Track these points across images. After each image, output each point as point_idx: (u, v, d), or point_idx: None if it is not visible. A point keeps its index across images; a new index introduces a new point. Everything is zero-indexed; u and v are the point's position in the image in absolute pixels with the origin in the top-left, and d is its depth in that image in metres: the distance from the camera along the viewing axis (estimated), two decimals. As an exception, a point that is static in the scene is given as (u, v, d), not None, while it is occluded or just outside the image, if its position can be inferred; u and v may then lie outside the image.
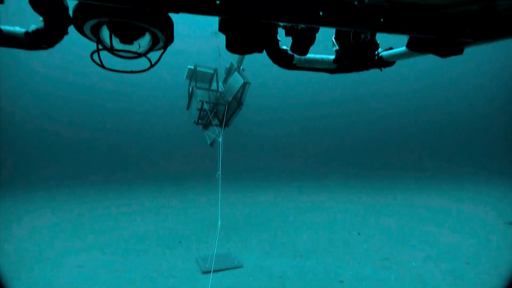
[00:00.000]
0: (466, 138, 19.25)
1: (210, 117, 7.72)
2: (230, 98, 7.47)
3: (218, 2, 1.71)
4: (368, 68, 2.73)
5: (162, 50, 2.05)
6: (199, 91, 7.83)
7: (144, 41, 1.88)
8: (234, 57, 7.81)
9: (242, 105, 7.45)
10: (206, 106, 7.41)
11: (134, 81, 19.80)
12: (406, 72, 20.13)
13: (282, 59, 2.55)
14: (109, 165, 17.39)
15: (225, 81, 8.36)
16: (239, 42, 1.98)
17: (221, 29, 1.93)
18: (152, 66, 2.06)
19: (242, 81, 7.23)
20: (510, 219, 7.80)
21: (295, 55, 2.60)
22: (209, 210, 9.64)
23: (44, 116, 18.27)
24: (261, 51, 2.19)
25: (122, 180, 15.56)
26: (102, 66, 1.91)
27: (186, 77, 8.14)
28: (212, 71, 8.27)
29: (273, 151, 19.89)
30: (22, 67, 17.41)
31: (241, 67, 7.69)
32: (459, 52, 2.23)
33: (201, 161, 16.30)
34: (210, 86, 8.42)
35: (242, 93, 7.36)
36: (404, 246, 6.25)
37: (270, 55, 2.50)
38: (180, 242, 6.85)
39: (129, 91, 20.12)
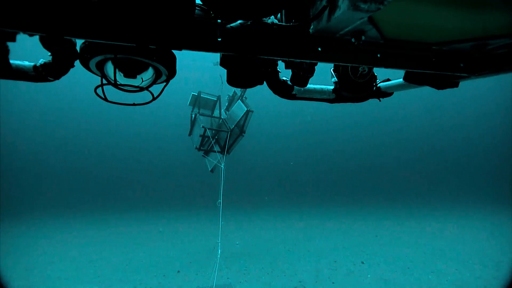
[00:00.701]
0: (467, 164, 19.18)
1: (213, 142, 7.68)
2: (232, 126, 7.50)
3: (219, 39, 1.76)
4: (367, 99, 2.75)
5: (164, 84, 2.08)
6: (201, 118, 7.84)
7: (147, 75, 1.92)
8: None
9: (244, 132, 7.46)
10: (208, 133, 7.40)
11: (137, 109, 20.16)
12: (406, 100, 20.33)
13: (282, 90, 2.57)
14: (107, 192, 17.07)
15: (227, 109, 8.53)
16: (240, 77, 2.01)
17: (223, 64, 1.97)
18: (154, 99, 2.08)
19: (245, 109, 7.30)
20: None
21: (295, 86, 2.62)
22: (209, 238, 9.35)
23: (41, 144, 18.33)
24: (261, 83, 2.22)
25: (121, 207, 15.17)
26: (105, 99, 1.93)
27: (190, 103, 8.16)
28: (215, 98, 8.37)
29: (273, 179, 19.76)
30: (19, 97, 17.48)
31: (244, 96, 7.78)
32: (455, 85, 2.26)
33: (201, 187, 16.16)
34: (212, 113, 8.50)
35: (245, 121, 7.41)
36: (410, 276, 5.95)
37: (270, 86, 2.52)
38: (179, 271, 6.58)
39: (131, 117, 20.37)
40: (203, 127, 7.32)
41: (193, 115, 8.12)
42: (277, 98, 2.72)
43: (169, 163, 20.14)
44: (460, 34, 1.66)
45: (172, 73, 1.97)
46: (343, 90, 2.60)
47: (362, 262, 7.01)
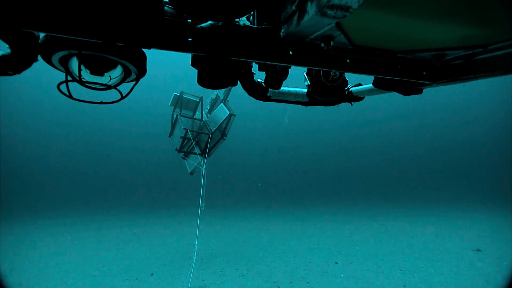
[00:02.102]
0: (446, 162, 19.49)
1: (193, 144, 7.54)
2: (214, 128, 7.43)
3: (190, 39, 1.68)
4: (339, 102, 2.76)
5: (134, 82, 1.99)
6: (183, 119, 7.69)
7: (116, 73, 1.82)
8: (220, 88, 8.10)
9: (226, 136, 7.42)
10: (189, 135, 7.26)
11: (115, 108, 19.41)
12: (393, 100, 20.39)
13: (256, 92, 2.54)
14: (76, 193, 16.27)
15: (210, 111, 8.36)
16: (211, 77, 1.96)
17: (194, 64, 1.90)
18: (122, 98, 1.97)
19: (228, 113, 7.26)
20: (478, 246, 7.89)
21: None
22: (185, 240, 9.04)
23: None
24: (235, 84, 2.17)
25: (92, 208, 14.36)
26: (70, 96, 1.80)
27: (171, 103, 8.01)
28: (198, 100, 8.26)
29: (251, 181, 19.69)
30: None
31: (227, 99, 7.72)
32: (419, 91, 2.32)
33: (179, 189, 15.95)
34: (194, 114, 8.37)
35: (226, 124, 7.38)
36: (381, 275, 6.07)
37: (245, 88, 2.49)
38: (152, 274, 6.32)
39: (108, 115, 19.60)
40: (184, 128, 7.18)
41: (175, 116, 7.95)
42: (260, 101, 2.75)
43: (147, 164, 19.65)
44: (422, 44, 1.71)
45: (142, 71, 1.88)
46: (315, 93, 2.61)
47: (336, 262, 7.09)
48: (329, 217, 13.08)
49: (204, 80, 1.98)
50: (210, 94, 8.61)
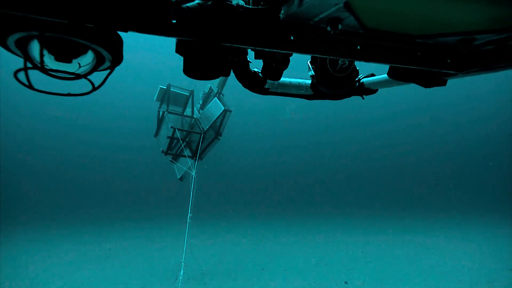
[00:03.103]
0: (465, 171, 19.43)
1: (182, 146, 7.53)
2: (207, 127, 7.46)
3: (174, 21, 1.64)
4: (348, 96, 2.76)
5: (108, 71, 1.94)
6: (171, 116, 7.68)
7: (86, 60, 1.76)
8: (214, 80, 7.82)
9: (221, 135, 7.41)
10: (178, 134, 7.25)
11: (87, 100, 18.78)
12: (401, 96, 20.49)
13: (252, 83, 2.52)
14: (42, 201, 15.67)
15: (202, 107, 8.40)
16: (200, 66, 1.90)
17: (179, 50, 1.85)
18: (94, 89, 1.93)
19: (222, 109, 7.24)
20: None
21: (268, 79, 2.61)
22: (173, 255, 8.87)
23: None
24: (227, 75, 2.14)
25: (61, 219, 13.93)
26: (29, 87, 1.74)
27: (157, 98, 7.99)
28: (188, 94, 8.29)
29: (248, 189, 19.46)
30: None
31: (221, 93, 7.71)
32: (442, 83, 2.30)
33: (166, 198, 15.66)
34: (184, 111, 8.43)
35: (221, 122, 7.34)
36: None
37: (239, 78, 2.46)
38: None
39: (81, 111, 19.18)
40: (172, 127, 7.13)
41: (161, 113, 7.94)
42: (259, 95, 2.73)
43: (127, 168, 19.33)
44: (446, 27, 1.66)
45: (117, 58, 1.82)
46: (321, 85, 2.59)
47: (346, 282, 6.99)
48: (337, 227, 12.98)
49: (191, 70, 1.94)
50: (203, 87, 8.66)
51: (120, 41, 1.76)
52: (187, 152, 7.74)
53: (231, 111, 7.20)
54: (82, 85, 2.05)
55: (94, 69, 1.86)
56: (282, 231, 12.45)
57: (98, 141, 19.83)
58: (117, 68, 1.95)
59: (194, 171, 6.63)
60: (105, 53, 1.75)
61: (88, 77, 1.86)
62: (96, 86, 1.93)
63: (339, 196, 18.83)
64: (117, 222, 14.04)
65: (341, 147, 22.29)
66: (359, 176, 20.86)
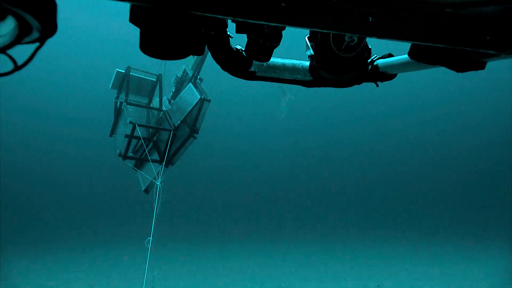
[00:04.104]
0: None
1: (146, 148, 7.56)
2: (179, 121, 7.47)
3: None
4: (357, 83, 2.80)
5: (37, 44, 1.92)
6: (131, 109, 7.69)
7: (4, 29, 1.73)
8: (188, 61, 7.90)
9: (197, 133, 7.45)
10: (139, 132, 7.22)
11: (21, 87, 18.43)
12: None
13: (234, 65, 2.56)
14: None
15: (174, 96, 8.44)
16: (162, 41, 1.89)
17: (134, 20, 1.80)
18: (17, 68, 1.89)
19: (198, 97, 7.27)
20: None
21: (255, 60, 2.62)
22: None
23: None
24: (200, 53, 2.11)
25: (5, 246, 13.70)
26: None
27: (113, 85, 8.01)
28: (154, 79, 8.32)
29: (232, 204, 19.65)
30: None
31: (198, 77, 7.79)
32: (480, 66, 2.31)
33: (126, 215, 15.84)
34: (150, 101, 8.50)
35: (197, 115, 7.38)
36: None
37: (216, 58, 2.48)
38: None
39: (13, 101, 18.69)
40: (130, 122, 7.09)
41: (118, 104, 7.92)
42: (243, 80, 2.75)
43: (72, 176, 19.10)
44: None
45: (48, 27, 1.78)
46: (322, 68, 2.63)
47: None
48: (348, 256, 13.18)
49: (151, 45, 1.91)
50: (176, 70, 8.64)
51: (52, 4, 1.73)
52: (154, 155, 7.78)
53: (209, 101, 7.26)
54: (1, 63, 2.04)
55: (17, 41, 1.83)
56: (277, 259, 12.41)
57: (30, 144, 19.42)
58: (55, 42, 1.94)
59: (159, 180, 6.69)
60: (31, 20, 1.72)
61: (8, 52, 1.84)
62: (19, 64, 1.90)
63: (348, 214, 19.09)
64: (55, 250, 13.84)
65: (350, 149, 22.53)
66: (371, 187, 21.20)
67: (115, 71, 7.88)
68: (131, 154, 8.05)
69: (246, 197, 20.59)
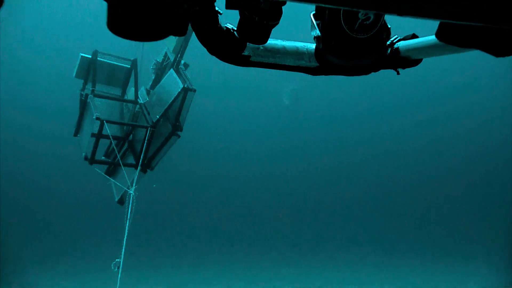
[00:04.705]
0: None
1: (118, 154, 7.60)
2: (158, 116, 7.46)
3: None
4: (374, 70, 2.81)
5: None
6: (99, 102, 7.64)
7: None
8: (170, 43, 7.89)
9: (181, 130, 7.46)
10: (111, 130, 7.20)
11: None
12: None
13: (224, 48, 2.56)
14: None
15: (153, 86, 8.44)
16: (135, 18, 1.80)
17: None
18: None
19: (181, 86, 7.25)
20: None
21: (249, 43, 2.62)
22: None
23: None
24: (183, 33, 2.03)
25: None
26: None
27: (77, 74, 7.95)
28: (128, 66, 8.24)
29: (221, 218, 19.82)
30: None
31: (182, 62, 7.81)
32: None
33: (94, 232, 15.92)
34: (123, 93, 8.46)
35: (180, 108, 7.38)
36: None
37: (202, 40, 2.46)
38: None
39: None
40: (97, 118, 7.04)
41: (84, 96, 7.84)
42: (237, 67, 2.73)
43: (33, 186, 19.25)
44: None
45: None
46: (331, 52, 2.57)
47: None
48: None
49: (121, 23, 1.83)
50: (156, 54, 8.67)
51: None
52: (130, 159, 7.83)
53: (194, 90, 7.21)
54: None
55: None
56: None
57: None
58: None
59: (133, 189, 6.67)
60: None
61: None
62: None
63: (369, 228, 19.64)
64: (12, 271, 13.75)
65: (365, 149, 22.78)
66: (399, 198, 21.48)
67: (80, 56, 7.79)
68: (103, 157, 8.13)
69: (236, 209, 20.58)
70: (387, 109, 22.98)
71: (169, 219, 17.28)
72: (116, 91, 8.31)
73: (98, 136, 7.25)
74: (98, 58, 7.84)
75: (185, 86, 7.16)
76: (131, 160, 7.69)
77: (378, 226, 20.14)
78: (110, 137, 7.33)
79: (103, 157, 8.20)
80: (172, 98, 7.29)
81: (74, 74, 7.98)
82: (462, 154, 22.76)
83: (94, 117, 7.06)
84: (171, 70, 7.65)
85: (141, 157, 7.21)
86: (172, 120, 7.42)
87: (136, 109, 8.26)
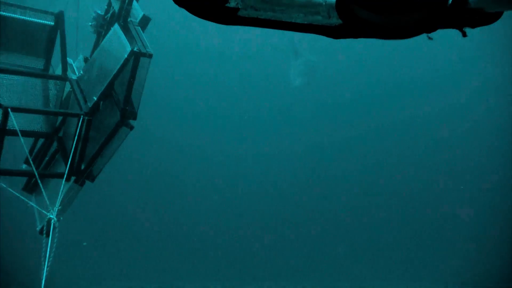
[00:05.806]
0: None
1: (30, 159, 7.52)
2: (95, 98, 7.40)
3: None
4: (427, 30, 2.77)
5: None
6: (5, 80, 7.57)
7: None
8: None
9: (134, 118, 7.40)
10: (15, 124, 6.95)
11: None
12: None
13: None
14: None
15: (93, 51, 8.50)
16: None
17: None
18: None
19: (128, 49, 7.11)
20: None
21: None
22: None
23: None
24: None
25: None
26: None
27: None
28: (52, 23, 7.96)
29: (198, 245, 20.41)
30: None
31: (140, 14, 7.86)
32: None
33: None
34: (48, 65, 8.16)
35: (130, 84, 7.22)
36: None
37: None
38: None
39: None
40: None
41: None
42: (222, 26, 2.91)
43: None
44: None
45: None
46: (360, 4, 2.62)
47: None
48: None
49: None
50: (94, 5, 8.64)
51: None
52: (58, 166, 7.94)
53: (150, 55, 7.05)
54: None
55: None
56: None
57: None
58: None
59: (55, 213, 6.56)
60: None
61: None
62: None
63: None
64: None
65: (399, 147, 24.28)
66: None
67: None
68: (24, 166, 8.22)
69: (240, 211, 21.55)
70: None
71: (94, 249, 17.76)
72: (37, 63, 8.03)
73: (3, 132, 6.93)
74: (2, 12, 7.41)
75: (135, 49, 7.00)
76: (60, 166, 7.59)
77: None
78: (19, 133, 6.96)
79: (24, 166, 8.22)
80: (117, 69, 7.17)
81: None
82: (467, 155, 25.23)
83: None
84: (115, 25, 7.57)
85: (70, 161, 7.08)
86: (121, 100, 7.26)
87: (68, 90, 7.99)
